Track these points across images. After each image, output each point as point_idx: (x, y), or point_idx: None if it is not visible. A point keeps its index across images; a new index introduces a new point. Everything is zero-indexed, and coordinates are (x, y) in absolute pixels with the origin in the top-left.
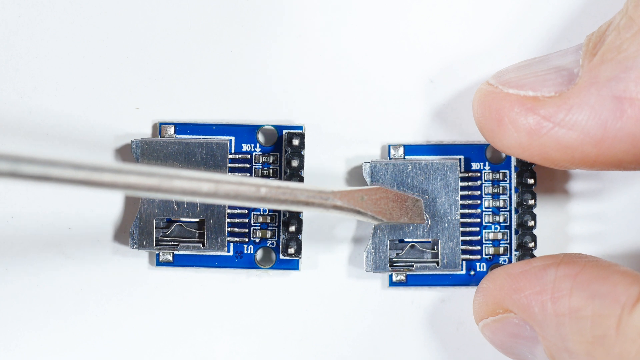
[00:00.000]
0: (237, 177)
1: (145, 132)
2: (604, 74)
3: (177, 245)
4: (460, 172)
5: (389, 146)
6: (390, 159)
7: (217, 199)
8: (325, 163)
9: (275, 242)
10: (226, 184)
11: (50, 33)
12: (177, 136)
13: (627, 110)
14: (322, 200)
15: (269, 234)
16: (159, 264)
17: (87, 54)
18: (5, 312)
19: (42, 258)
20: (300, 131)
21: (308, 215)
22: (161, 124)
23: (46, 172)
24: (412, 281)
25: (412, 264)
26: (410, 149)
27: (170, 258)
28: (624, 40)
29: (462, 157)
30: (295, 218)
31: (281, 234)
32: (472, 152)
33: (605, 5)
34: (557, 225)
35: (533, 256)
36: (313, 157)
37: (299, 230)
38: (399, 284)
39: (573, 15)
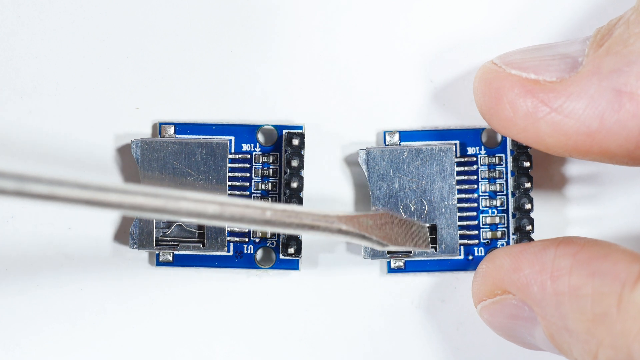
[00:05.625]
0: (243, 200)
1: (145, 132)
2: (607, 65)
3: (177, 245)
4: (456, 157)
5: (384, 133)
6: (385, 145)
7: (222, 221)
8: (323, 159)
9: (275, 242)
10: (232, 206)
11: (50, 33)
12: (177, 136)
13: (625, 104)
14: (327, 224)
15: (268, 233)
16: (159, 264)
17: (87, 54)
18: (5, 312)
19: (42, 258)
20: (300, 131)
21: None
22: (161, 124)
23: (52, 191)
24: (411, 267)
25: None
26: (405, 135)
27: (170, 258)
28: (632, 34)
29: (457, 142)
30: None
31: (281, 233)
32: (467, 137)
33: (607, 6)
34: (555, 209)
35: (531, 239)
36: (313, 156)
37: None
38: (398, 270)
39: (579, 13)
